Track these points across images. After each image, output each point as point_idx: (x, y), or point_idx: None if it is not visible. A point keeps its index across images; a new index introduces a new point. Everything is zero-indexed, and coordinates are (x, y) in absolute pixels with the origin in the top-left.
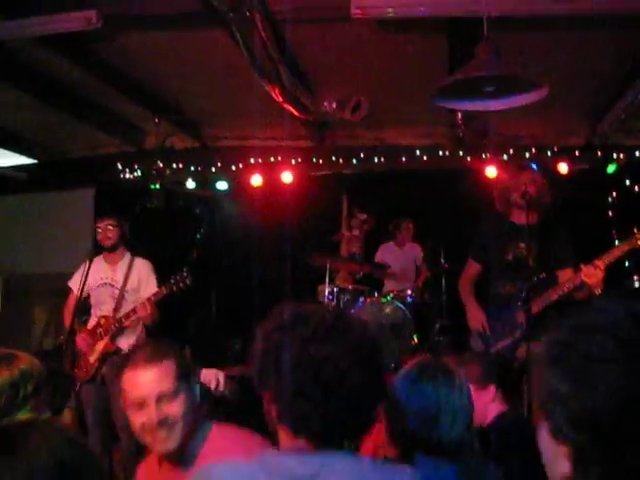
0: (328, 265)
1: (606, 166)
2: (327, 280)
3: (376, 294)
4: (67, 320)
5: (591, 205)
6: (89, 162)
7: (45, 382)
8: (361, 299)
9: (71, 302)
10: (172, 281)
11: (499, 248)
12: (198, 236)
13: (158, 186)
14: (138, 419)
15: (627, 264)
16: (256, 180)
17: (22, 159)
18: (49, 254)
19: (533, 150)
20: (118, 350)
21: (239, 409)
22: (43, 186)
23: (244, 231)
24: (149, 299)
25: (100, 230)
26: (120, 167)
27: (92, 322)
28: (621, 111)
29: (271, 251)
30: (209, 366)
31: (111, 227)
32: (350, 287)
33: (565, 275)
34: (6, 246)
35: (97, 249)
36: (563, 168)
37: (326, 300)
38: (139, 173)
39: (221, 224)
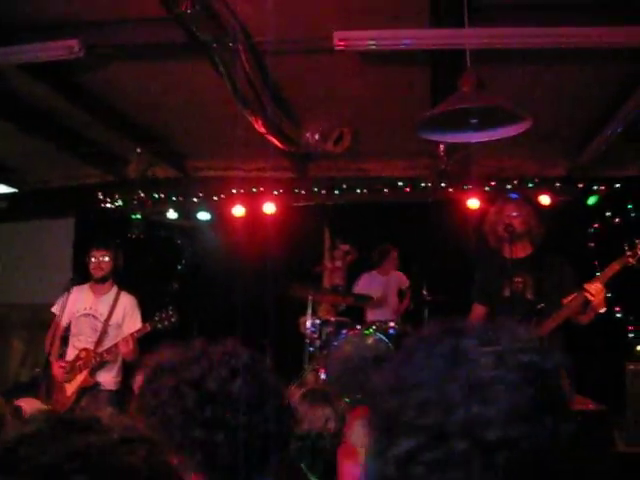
0: (310, 297)
1: (587, 197)
2: (309, 312)
3: (359, 326)
4: (49, 346)
5: (572, 236)
6: (70, 191)
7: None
8: (344, 331)
9: (57, 328)
10: (157, 318)
11: (496, 285)
12: (179, 267)
13: (139, 216)
14: None
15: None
16: (238, 211)
17: (2, 188)
18: (28, 284)
19: (515, 182)
20: (96, 385)
21: None
22: (23, 215)
23: (226, 262)
24: (132, 335)
25: (94, 260)
26: (101, 197)
27: (71, 353)
28: (601, 143)
29: (253, 282)
30: None
31: (107, 259)
32: (332, 319)
33: (571, 299)
34: None
35: (80, 278)
36: (545, 200)
37: (308, 332)
38: (120, 203)
39: (203, 255)
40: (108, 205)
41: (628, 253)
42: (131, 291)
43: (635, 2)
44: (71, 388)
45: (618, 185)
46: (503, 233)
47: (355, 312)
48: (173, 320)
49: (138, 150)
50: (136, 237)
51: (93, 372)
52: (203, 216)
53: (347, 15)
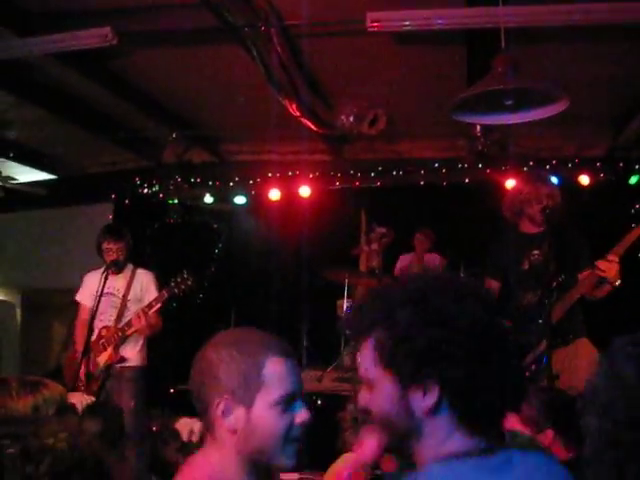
0: (347, 280)
1: (628, 177)
2: (345, 295)
3: None
4: (82, 336)
5: (613, 217)
6: (107, 177)
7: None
8: None
9: (85, 316)
10: (172, 284)
11: (513, 259)
12: (216, 251)
13: (176, 201)
14: None
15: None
16: (274, 194)
17: (41, 175)
18: (68, 269)
19: (553, 162)
20: (122, 359)
21: None
22: (62, 201)
23: (262, 245)
24: (143, 310)
25: (107, 252)
26: (138, 182)
27: (93, 334)
28: None
29: (289, 266)
30: None
31: (124, 249)
32: None
33: (585, 275)
34: (25, 262)
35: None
36: (584, 180)
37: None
38: (157, 188)
39: (239, 239)
40: (145, 190)
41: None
42: (170, 276)
43: None
44: (98, 368)
45: None
46: (537, 214)
47: None
48: (189, 283)
49: (173, 135)
50: (173, 222)
51: (117, 348)
52: (239, 200)
53: None
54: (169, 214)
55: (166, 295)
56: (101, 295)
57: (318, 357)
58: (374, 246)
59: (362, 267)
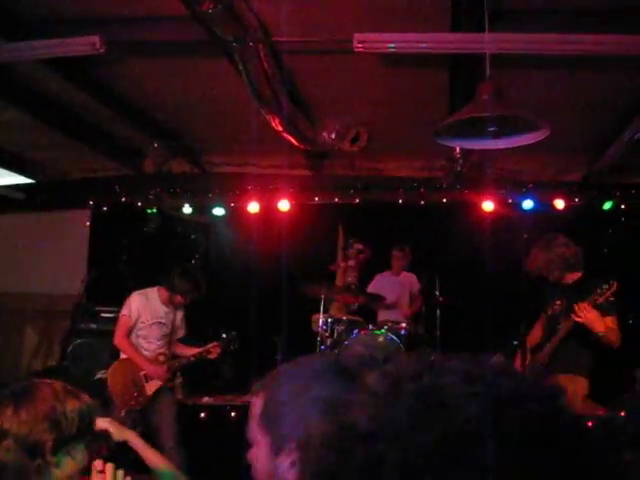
0: (323, 295)
1: (602, 203)
2: (322, 310)
3: (370, 326)
4: (131, 346)
5: (587, 241)
6: (87, 184)
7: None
8: (355, 330)
9: (128, 331)
10: (225, 340)
11: (546, 302)
12: (193, 262)
13: (155, 210)
14: None
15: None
16: (253, 207)
17: (20, 179)
18: (43, 274)
19: (530, 185)
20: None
21: None
22: (40, 206)
23: (240, 258)
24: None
25: (184, 299)
26: (117, 190)
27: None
28: (618, 149)
29: (266, 279)
30: (201, 394)
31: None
32: (344, 318)
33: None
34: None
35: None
36: (560, 204)
37: (320, 330)
38: (136, 197)
39: (217, 250)
40: (124, 198)
41: (598, 291)
42: (145, 285)
43: None
44: (151, 388)
45: (634, 191)
46: (549, 269)
47: (367, 312)
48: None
49: (155, 145)
50: (151, 231)
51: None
52: (218, 212)
53: (367, 16)
54: (147, 223)
55: (219, 351)
56: (154, 323)
57: None
58: (351, 262)
59: (338, 282)
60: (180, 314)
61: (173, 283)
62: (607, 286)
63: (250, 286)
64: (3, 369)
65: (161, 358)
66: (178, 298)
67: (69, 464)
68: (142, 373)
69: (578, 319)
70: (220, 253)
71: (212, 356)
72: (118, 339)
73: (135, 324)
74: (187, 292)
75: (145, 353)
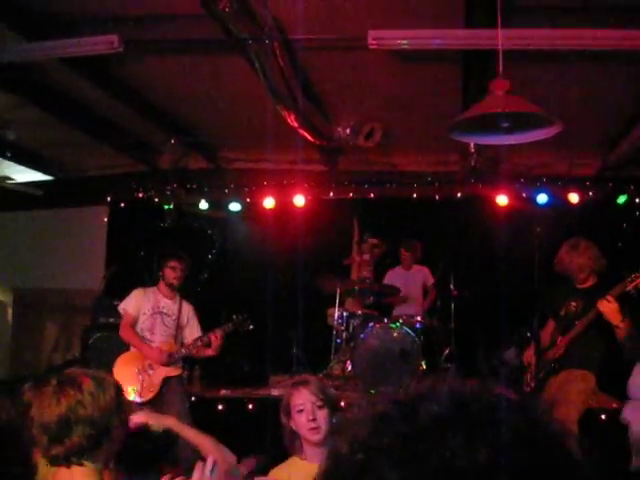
0: (338, 289)
1: (617, 197)
2: (337, 304)
3: (385, 320)
4: (138, 339)
5: (601, 235)
6: (104, 180)
7: None
8: (370, 324)
9: (131, 325)
10: (235, 320)
11: (558, 303)
12: (210, 257)
13: (172, 206)
14: None
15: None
16: (269, 202)
17: (38, 175)
18: (61, 270)
19: (544, 180)
20: (181, 374)
21: None
22: (58, 203)
23: (255, 253)
24: (216, 334)
25: (172, 269)
26: (134, 186)
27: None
28: (632, 143)
29: (282, 273)
30: (219, 387)
31: (184, 271)
32: (359, 312)
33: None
34: (19, 261)
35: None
36: (574, 198)
37: (335, 324)
38: (153, 193)
39: (233, 245)
40: (141, 195)
41: (629, 281)
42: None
43: None
44: (158, 377)
45: None
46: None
47: (382, 307)
48: (247, 326)
49: (172, 141)
50: (168, 227)
51: (177, 363)
52: (234, 207)
53: (382, 14)
54: (164, 219)
55: (231, 329)
56: (154, 313)
57: (308, 365)
58: (366, 256)
59: (353, 276)
60: (188, 308)
61: (152, 267)
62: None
63: (266, 280)
64: (24, 363)
65: (164, 347)
66: (168, 274)
67: (102, 457)
68: (147, 362)
69: (601, 307)
70: (236, 248)
71: (216, 343)
72: (122, 331)
73: (137, 317)
74: (164, 261)
75: (151, 345)
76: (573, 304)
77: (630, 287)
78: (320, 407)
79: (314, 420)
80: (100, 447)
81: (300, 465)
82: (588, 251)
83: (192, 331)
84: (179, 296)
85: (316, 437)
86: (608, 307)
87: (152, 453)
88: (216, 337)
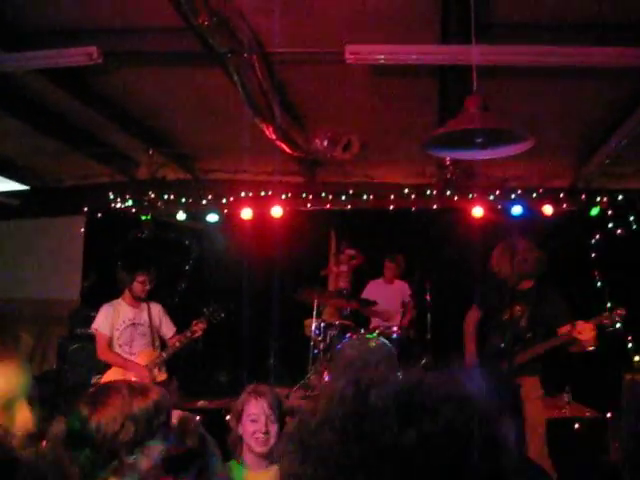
0: (315, 300)
1: (589, 209)
2: (314, 315)
3: (362, 330)
4: (120, 358)
5: (574, 246)
6: (81, 190)
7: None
8: (347, 334)
9: (107, 344)
10: (207, 313)
11: (498, 307)
12: (187, 267)
13: (149, 217)
14: None
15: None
16: (246, 213)
17: (15, 185)
18: (38, 280)
19: (519, 192)
20: (169, 378)
21: None
22: (34, 212)
23: (233, 264)
24: (186, 335)
25: (140, 282)
26: (112, 196)
27: (134, 359)
28: (605, 156)
29: (259, 284)
30: (196, 397)
31: (152, 283)
32: (337, 322)
33: (564, 330)
34: None
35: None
36: (548, 210)
37: (313, 335)
38: (130, 203)
39: (210, 256)
40: (118, 205)
41: (605, 315)
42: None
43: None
44: None
45: (620, 197)
46: (519, 267)
47: (360, 319)
48: (220, 315)
49: (150, 152)
50: (145, 237)
51: (161, 368)
52: (212, 218)
53: (358, 28)
54: (141, 229)
55: (205, 325)
56: (127, 327)
57: (285, 375)
58: (343, 267)
59: (331, 288)
60: (156, 309)
61: (120, 279)
62: (616, 311)
63: (243, 291)
64: None
65: (145, 357)
66: (136, 288)
67: (145, 462)
68: (133, 379)
69: (579, 336)
70: (214, 259)
71: (198, 334)
72: (100, 354)
73: (112, 334)
74: (132, 276)
75: (132, 358)
76: (518, 308)
77: (606, 322)
78: (273, 421)
79: (266, 433)
80: None
81: (236, 470)
82: (521, 251)
83: (168, 328)
84: (144, 302)
85: (262, 448)
86: (587, 336)
87: None
88: (197, 328)
